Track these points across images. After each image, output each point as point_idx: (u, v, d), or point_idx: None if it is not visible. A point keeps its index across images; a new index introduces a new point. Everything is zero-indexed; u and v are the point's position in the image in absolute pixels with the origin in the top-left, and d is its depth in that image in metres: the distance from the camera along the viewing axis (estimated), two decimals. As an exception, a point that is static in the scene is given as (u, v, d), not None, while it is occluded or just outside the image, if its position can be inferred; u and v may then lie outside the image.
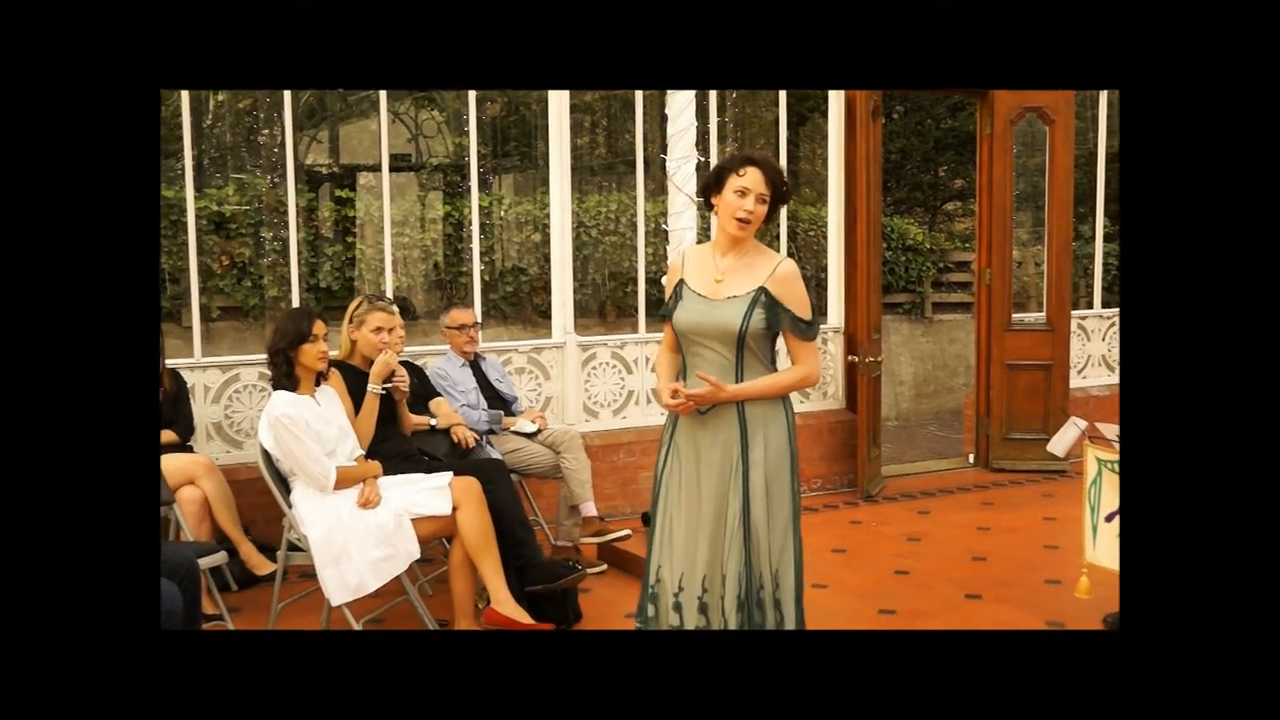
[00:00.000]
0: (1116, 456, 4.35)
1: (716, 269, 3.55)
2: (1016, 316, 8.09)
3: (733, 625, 3.48)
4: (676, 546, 3.57)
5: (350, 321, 4.95)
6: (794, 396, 3.80)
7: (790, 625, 3.54)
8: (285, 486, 4.45)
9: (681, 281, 3.60)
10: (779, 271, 3.51)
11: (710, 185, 3.57)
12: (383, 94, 6.31)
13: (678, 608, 3.55)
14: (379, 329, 4.90)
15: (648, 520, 5.80)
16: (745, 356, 3.49)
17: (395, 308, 5.08)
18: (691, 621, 3.53)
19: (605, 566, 5.63)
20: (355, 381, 4.80)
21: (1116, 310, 8.56)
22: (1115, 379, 8.43)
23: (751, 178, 3.48)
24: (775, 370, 3.57)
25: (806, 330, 3.53)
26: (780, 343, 3.61)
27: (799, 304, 3.52)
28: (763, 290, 3.48)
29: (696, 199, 5.48)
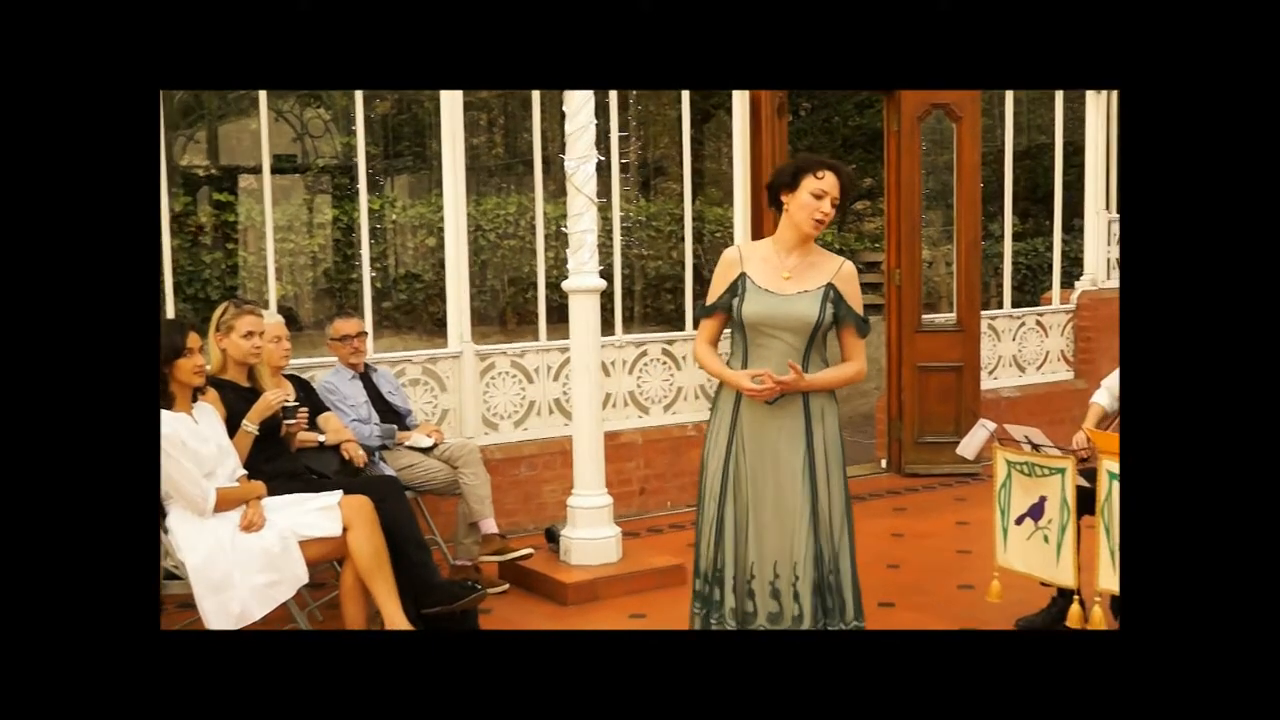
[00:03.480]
0: (1025, 458, 4.44)
1: (784, 266, 3.88)
2: (927, 317, 8.21)
3: (808, 609, 3.80)
4: (749, 534, 3.86)
5: (217, 330, 4.80)
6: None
7: (849, 609, 3.89)
8: (160, 511, 4.34)
9: (743, 275, 3.88)
10: (844, 270, 3.90)
11: (785, 183, 3.86)
12: (262, 91, 6.19)
13: (750, 594, 3.86)
14: (250, 333, 4.77)
15: (552, 536, 5.82)
16: (813, 348, 3.85)
17: (264, 311, 4.98)
18: (764, 606, 3.84)
19: (507, 586, 5.60)
20: (235, 397, 4.70)
21: (1026, 310, 8.76)
22: (1026, 380, 8.62)
23: (829, 182, 3.80)
24: (827, 364, 3.93)
25: (865, 327, 3.93)
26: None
27: (859, 303, 3.91)
28: (831, 286, 3.85)
29: (596, 201, 5.48)
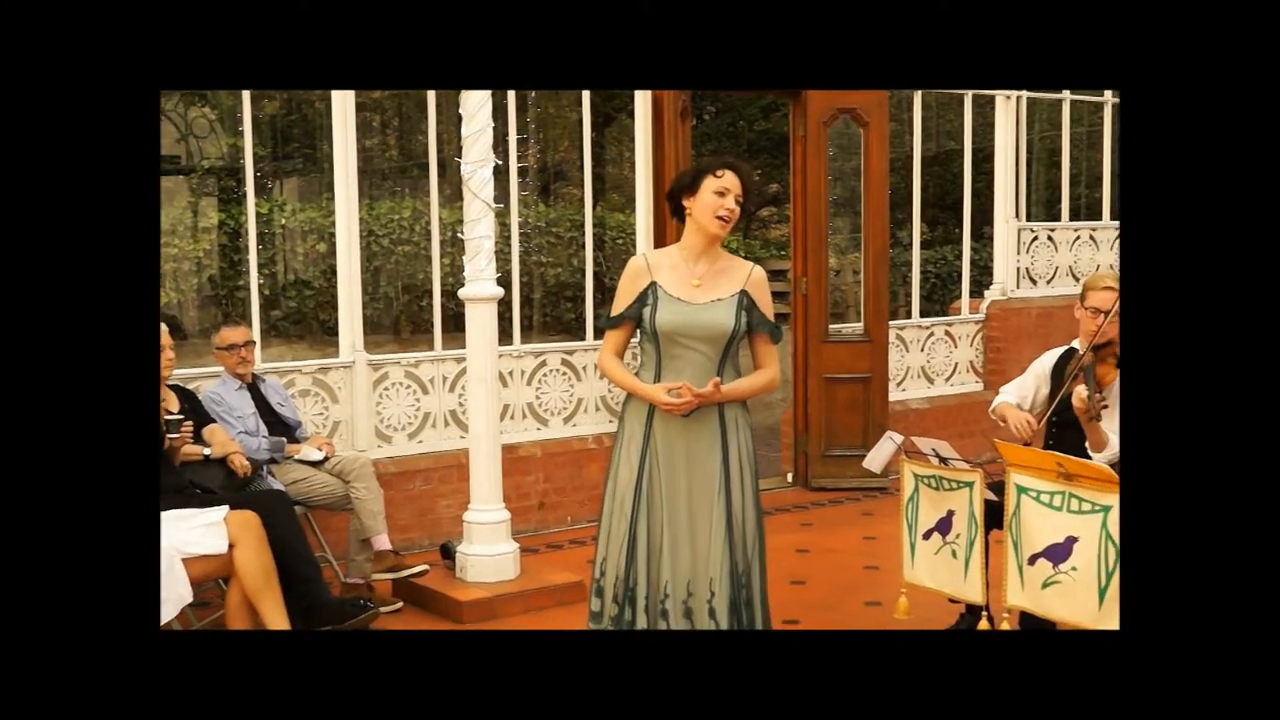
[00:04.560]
0: (933, 472, 4.52)
1: (693, 274, 3.91)
2: (834, 327, 8.30)
3: (724, 627, 3.81)
4: (663, 552, 3.85)
5: None
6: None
7: (759, 624, 3.92)
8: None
9: (654, 284, 3.89)
10: (754, 276, 3.96)
11: (685, 187, 3.90)
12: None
13: (664, 614, 3.84)
14: None
15: (447, 553, 5.81)
16: (728, 358, 3.89)
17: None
18: (677, 625, 3.84)
19: (401, 604, 5.58)
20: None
21: (935, 320, 8.91)
22: (935, 391, 8.78)
23: (730, 180, 3.84)
24: (740, 373, 3.96)
25: (778, 334, 4.00)
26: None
27: (770, 309, 3.97)
28: (745, 293, 3.91)
29: (494, 206, 5.49)
